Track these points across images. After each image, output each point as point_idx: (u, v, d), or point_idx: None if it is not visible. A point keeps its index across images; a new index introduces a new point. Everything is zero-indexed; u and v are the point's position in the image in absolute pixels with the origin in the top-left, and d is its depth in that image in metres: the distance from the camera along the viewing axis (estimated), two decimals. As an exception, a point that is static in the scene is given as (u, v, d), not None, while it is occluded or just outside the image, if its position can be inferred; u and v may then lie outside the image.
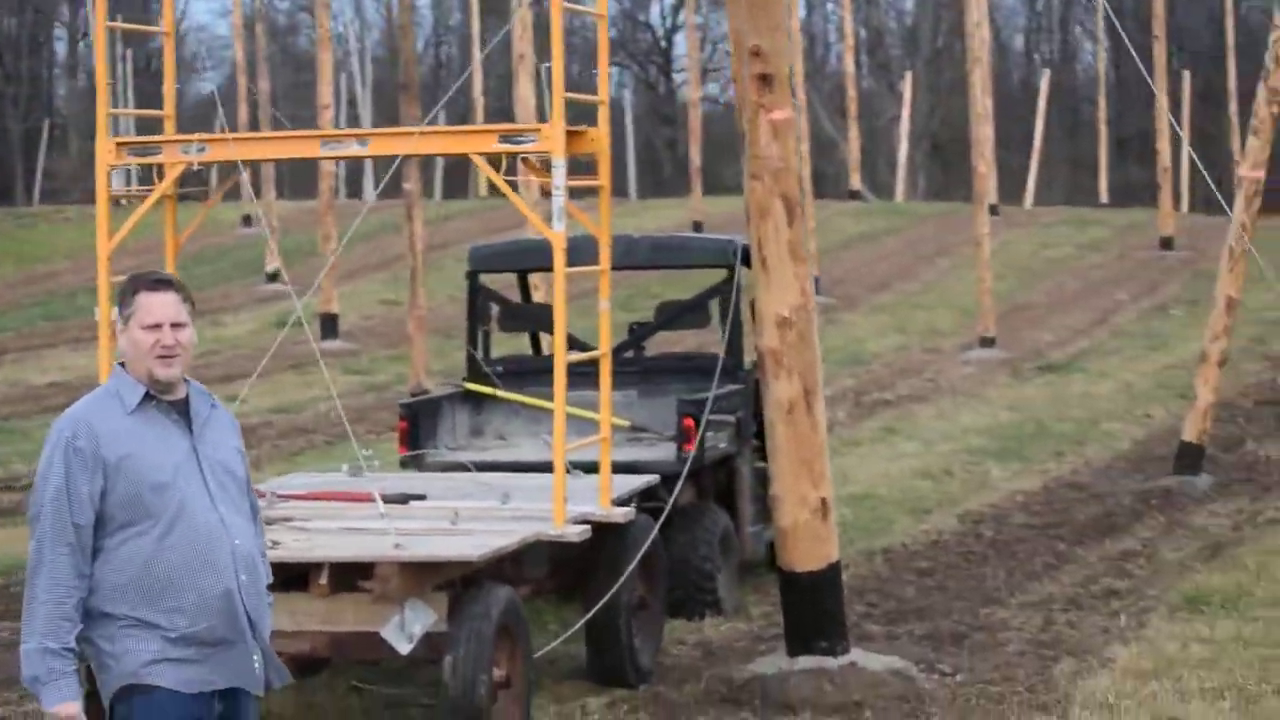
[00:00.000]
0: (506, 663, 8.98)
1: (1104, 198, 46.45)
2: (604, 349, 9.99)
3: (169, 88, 10.31)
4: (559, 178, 9.37)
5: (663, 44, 68.79)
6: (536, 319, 13.20)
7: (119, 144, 9.79)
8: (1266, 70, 15.88)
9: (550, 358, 12.24)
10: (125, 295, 6.02)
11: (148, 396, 5.97)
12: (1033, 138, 47.38)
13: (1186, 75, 48.48)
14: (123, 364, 6.05)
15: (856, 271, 34.48)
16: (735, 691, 9.94)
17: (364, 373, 24.71)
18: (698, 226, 35.20)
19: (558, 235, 9.41)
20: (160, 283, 6.04)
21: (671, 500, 10.90)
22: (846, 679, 9.92)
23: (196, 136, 9.68)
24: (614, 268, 11.23)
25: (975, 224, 26.86)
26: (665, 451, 11.71)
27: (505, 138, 9.54)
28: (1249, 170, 15.89)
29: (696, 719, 9.60)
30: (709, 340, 14.12)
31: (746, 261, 12.39)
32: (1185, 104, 46.40)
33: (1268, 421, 19.59)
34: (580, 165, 10.06)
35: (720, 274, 12.48)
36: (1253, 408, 20.54)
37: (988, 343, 25.76)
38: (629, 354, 12.71)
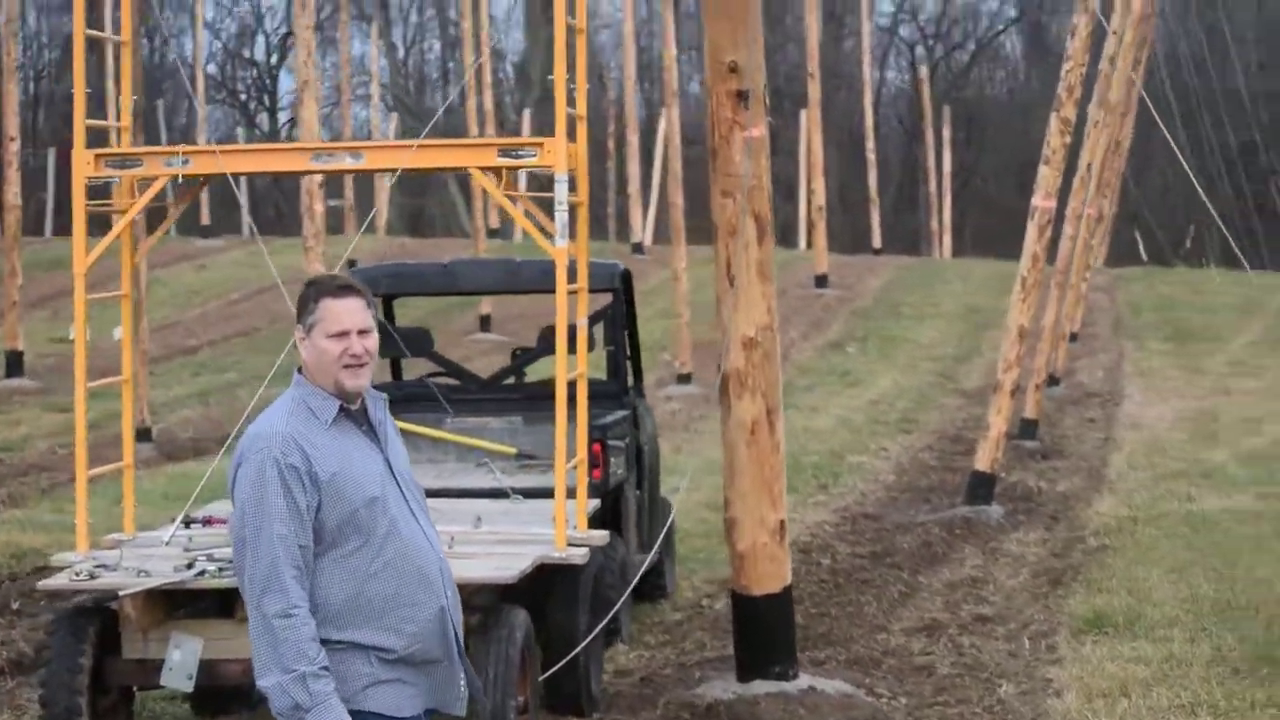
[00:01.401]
0: (522, 687, 8.76)
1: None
2: (581, 368, 9.79)
3: (125, 98, 9.80)
4: (562, 193, 9.19)
5: (266, 81, 67.85)
6: (412, 343, 12.88)
7: (97, 155, 9.25)
8: (1059, 100, 16.34)
9: (420, 384, 12.06)
10: (307, 302, 5.71)
11: (341, 409, 5.68)
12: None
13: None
14: (300, 373, 5.73)
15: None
16: (701, 716, 9.81)
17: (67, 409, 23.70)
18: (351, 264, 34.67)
19: (560, 252, 9.23)
20: (345, 288, 5.76)
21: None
22: (816, 703, 9.88)
23: (180, 149, 9.22)
24: (499, 292, 11.10)
25: (674, 259, 27.01)
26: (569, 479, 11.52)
27: (505, 152, 9.32)
28: (1041, 200, 16.25)
29: (672, 747, 9.47)
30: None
31: (628, 287, 12.37)
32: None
33: (1007, 453, 20.11)
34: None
35: (605, 299, 12.37)
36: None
37: (684, 379, 25.95)
38: (511, 380, 12.54)
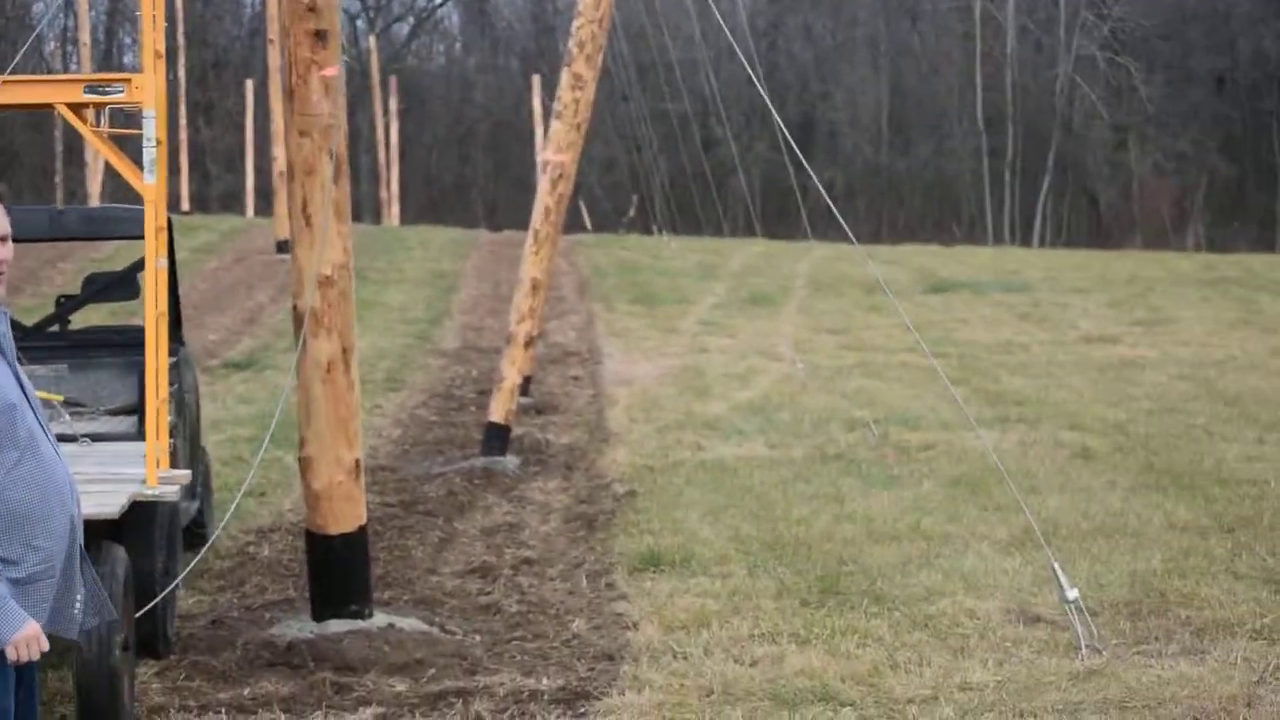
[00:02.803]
0: (126, 625, 8.54)
1: (185, 206, 46.61)
2: (162, 307, 9.55)
3: None
4: (150, 129, 8.97)
5: None
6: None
7: None
8: (570, 55, 16.52)
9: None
10: None
11: None
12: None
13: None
14: None
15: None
16: (283, 655, 9.70)
17: None
18: None
19: (150, 188, 9.00)
20: None
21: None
22: (400, 640, 9.87)
23: None
24: (41, 239, 10.85)
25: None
26: (124, 424, 11.26)
27: (92, 88, 9.02)
28: (553, 154, 16.45)
29: (259, 684, 9.32)
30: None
31: (170, 234, 12.10)
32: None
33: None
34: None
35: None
36: (477, 397, 21.27)
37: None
38: (55, 328, 12.17)
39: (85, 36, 40.15)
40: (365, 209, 57.06)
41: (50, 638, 5.56)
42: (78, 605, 5.63)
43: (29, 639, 5.35)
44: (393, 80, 54.36)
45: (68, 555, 5.57)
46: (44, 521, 5.46)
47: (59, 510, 5.51)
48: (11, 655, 5.34)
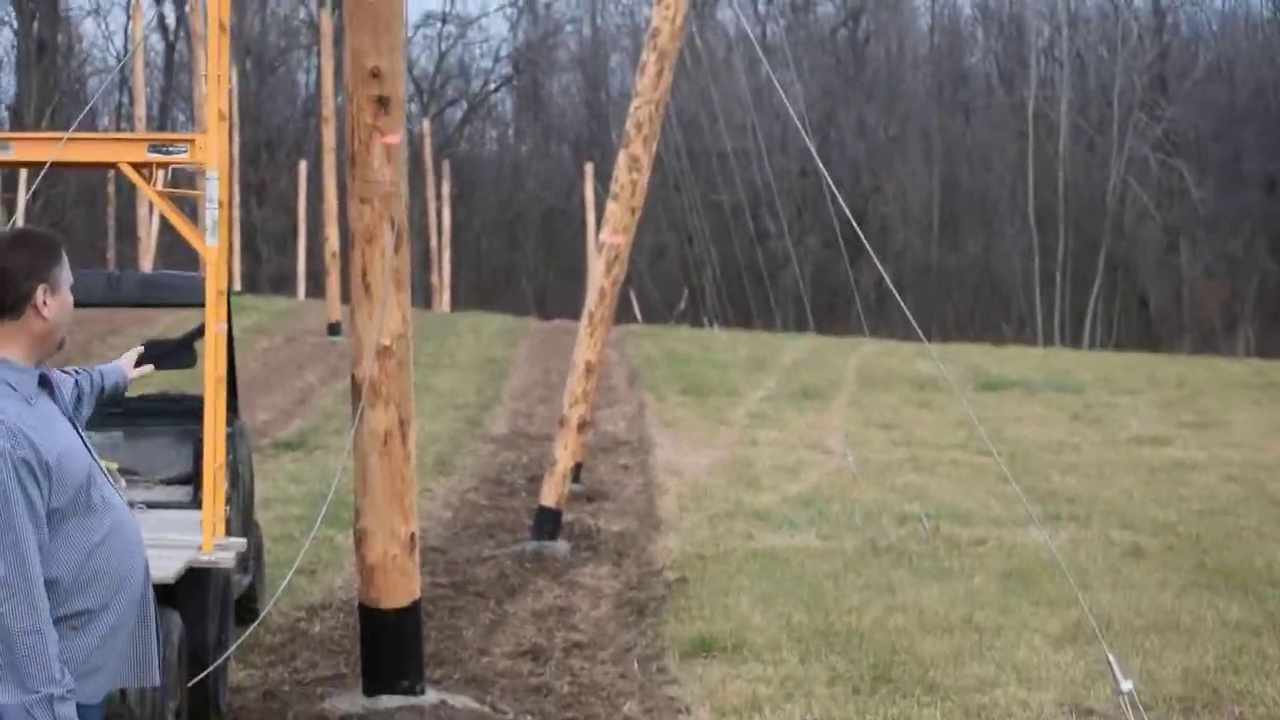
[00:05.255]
0: (178, 691, 8.46)
1: (237, 285, 46.76)
2: (221, 371, 9.50)
3: None
4: (213, 190, 8.95)
5: None
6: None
7: None
8: (627, 136, 16.48)
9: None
10: (55, 253, 5.30)
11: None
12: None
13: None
14: None
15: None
16: (335, 732, 9.63)
17: None
18: None
19: (212, 250, 8.97)
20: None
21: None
22: (452, 716, 9.79)
23: None
24: (98, 304, 10.80)
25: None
26: (178, 493, 11.20)
27: (156, 147, 9.00)
28: (609, 236, 16.42)
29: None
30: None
31: (230, 302, 12.08)
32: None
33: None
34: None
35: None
36: (528, 483, 21.18)
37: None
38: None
39: (141, 110, 40.44)
40: (416, 294, 57.09)
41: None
42: (154, 653, 5.56)
43: None
44: (445, 164, 54.58)
45: (144, 602, 5.48)
46: (128, 574, 5.40)
47: (138, 560, 5.45)
48: None
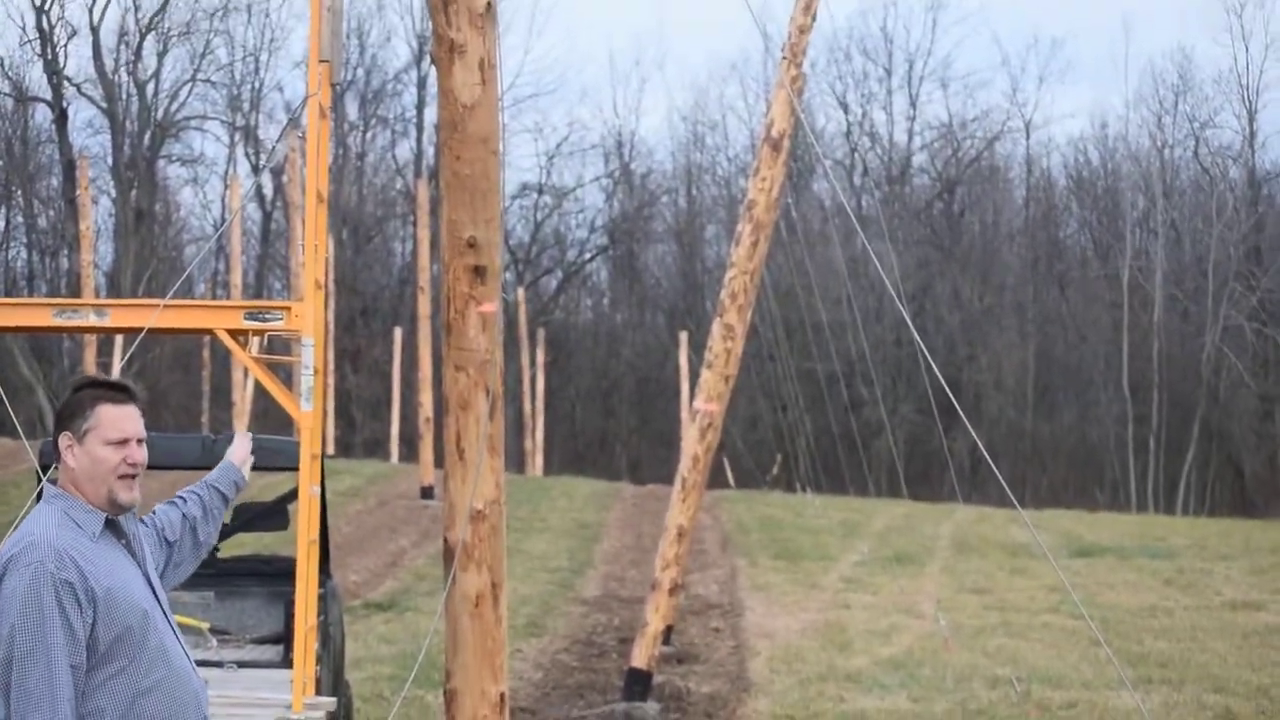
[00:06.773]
0: None
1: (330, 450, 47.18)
2: (313, 534, 9.70)
3: None
4: (309, 357, 9.16)
5: None
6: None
7: None
8: (722, 306, 16.71)
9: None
10: (82, 406, 5.45)
11: (107, 522, 5.45)
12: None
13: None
14: (54, 483, 5.47)
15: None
16: None
17: None
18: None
19: (306, 415, 9.18)
20: (124, 392, 5.53)
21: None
22: None
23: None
24: (194, 468, 10.98)
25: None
26: (269, 653, 11.37)
27: (252, 315, 9.25)
28: (703, 403, 16.62)
29: None
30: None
31: (323, 466, 12.31)
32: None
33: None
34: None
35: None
36: (618, 645, 21.26)
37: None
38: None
39: (236, 278, 41.06)
40: (509, 458, 57.27)
41: None
42: None
43: None
44: (540, 332, 55.04)
45: None
46: None
47: (193, 717, 5.51)
48: None
